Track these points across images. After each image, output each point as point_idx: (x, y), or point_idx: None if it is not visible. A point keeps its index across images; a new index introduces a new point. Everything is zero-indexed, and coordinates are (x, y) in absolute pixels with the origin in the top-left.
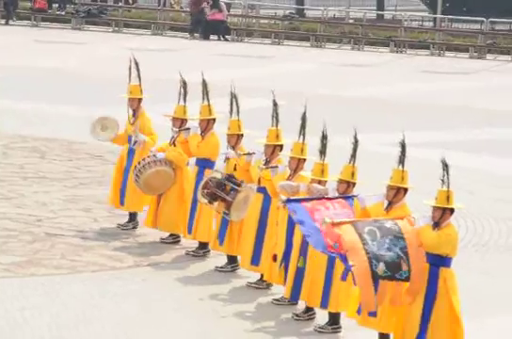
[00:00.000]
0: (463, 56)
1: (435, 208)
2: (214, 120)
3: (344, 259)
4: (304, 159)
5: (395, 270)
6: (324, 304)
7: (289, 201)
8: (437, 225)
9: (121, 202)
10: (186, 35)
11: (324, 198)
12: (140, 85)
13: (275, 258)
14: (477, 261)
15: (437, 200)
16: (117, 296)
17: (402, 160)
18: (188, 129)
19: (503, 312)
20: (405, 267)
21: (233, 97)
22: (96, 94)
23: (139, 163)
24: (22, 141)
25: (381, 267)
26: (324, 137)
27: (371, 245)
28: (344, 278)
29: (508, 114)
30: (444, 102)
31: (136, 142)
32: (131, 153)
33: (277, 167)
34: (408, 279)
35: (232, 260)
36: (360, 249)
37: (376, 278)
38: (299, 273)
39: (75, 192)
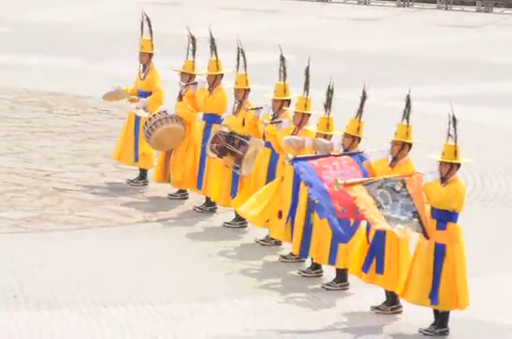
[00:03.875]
0: (470, 10)
1: (442, 163)
2: (221, 75)
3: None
4: (308, 114)
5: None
6: (331, 261)
7: (296, 159)
8: (443, 180)
9: (135, 159)
10: None
11: (330, 155)
12: (152, 40)
13: (280, 215)
14: (484, 216)
15: (444, 154)
16: (125, 251)
17: (407, 115)
18: (196, 83)
19: (509, 267)
20: (419, 229)
21: (240, 51)
22: (102, 48)
23: (150, 119)
24: (29, 96)
25: (399, 226)
26: (329, 92)
27: (385, 208)
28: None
29: None
30: (451, 56)
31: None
32: None
33: (281, 121)
34: (426, 236)
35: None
36: (376, 211)
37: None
38: (307, 230)
39: (83, 147)
